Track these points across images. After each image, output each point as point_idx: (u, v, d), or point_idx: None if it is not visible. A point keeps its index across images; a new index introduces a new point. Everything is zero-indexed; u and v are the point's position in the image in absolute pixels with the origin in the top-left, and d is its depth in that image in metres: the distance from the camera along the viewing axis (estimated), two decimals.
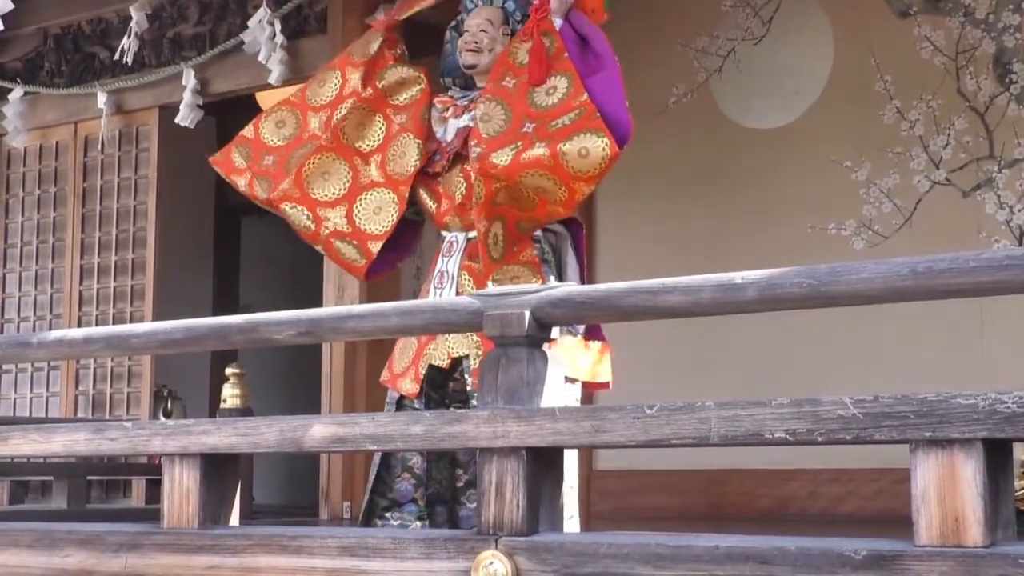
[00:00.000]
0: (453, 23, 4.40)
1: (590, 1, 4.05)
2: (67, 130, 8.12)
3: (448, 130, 4.20)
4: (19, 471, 6.84)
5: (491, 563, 2.70)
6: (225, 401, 6.32)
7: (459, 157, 4.13)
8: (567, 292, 2.90)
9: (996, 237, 6.54)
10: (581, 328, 3.99)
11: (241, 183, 4.36)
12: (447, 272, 4.06)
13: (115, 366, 7.67)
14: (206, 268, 9.77)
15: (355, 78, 4.31)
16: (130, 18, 7.52)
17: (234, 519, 3.30)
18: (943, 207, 6.69)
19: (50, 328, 7.83)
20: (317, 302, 6.67)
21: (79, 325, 7.72)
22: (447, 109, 4.25)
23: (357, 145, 4.27)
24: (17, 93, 8.09)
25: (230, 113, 9.35)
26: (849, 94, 7.00)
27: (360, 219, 4.20)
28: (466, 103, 4.19)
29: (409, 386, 4.11)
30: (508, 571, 2.68)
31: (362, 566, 2.89)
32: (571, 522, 3.67)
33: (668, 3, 7.48)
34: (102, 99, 7.74)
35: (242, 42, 7.12)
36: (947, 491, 2.35)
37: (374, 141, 4.27)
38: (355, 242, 4.21)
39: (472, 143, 3.94)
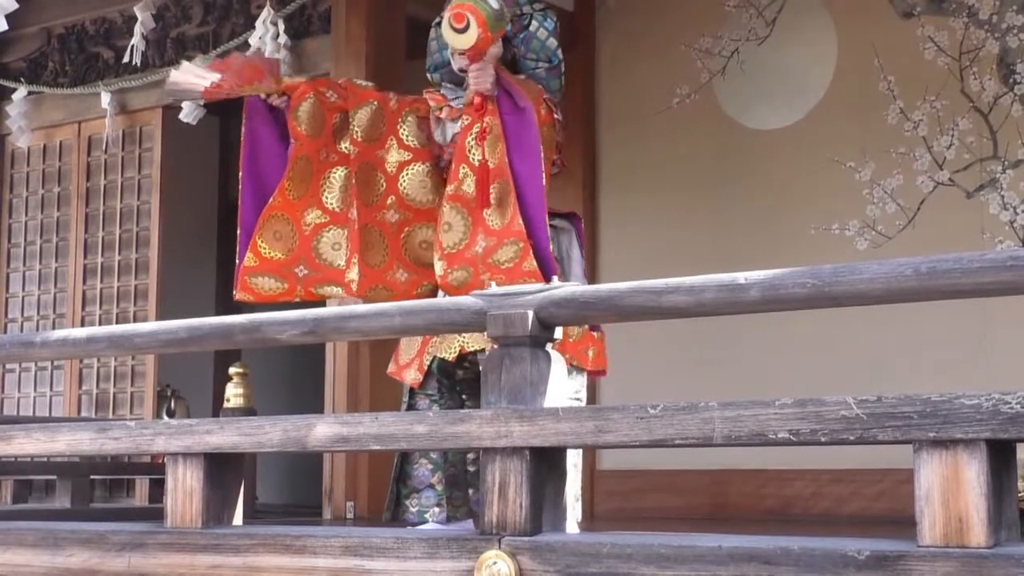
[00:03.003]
0: (437, 20, 4.33)
1: (494, 41, 3.98)
2: (71, 130, 8.13)
3: (446, 133, 4.19)
4: (23, 470, 6.84)
5: (494, 563, 2.70)
6: (228, 401, 6.32)
7: None
8: (571, 292, 2.90)
9: (1000, 238, 6.53)
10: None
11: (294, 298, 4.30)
12: None
13: (118, 365, 7.68)
14: (209, 268, 9.77)
15: (330, 154, 4.24)
16: (134, 18, 7.52)
17: (237, 518, 3.30)
18: (947, 208, 6.69)
19: (54, 327, 7.83)
20: (320, 302, 6.66)
21: (82, 324, 7.72)
22: (441, 109, 4.21)
23: (373, 200, 4.24)
24: (21, 93, 8.10)
25: (233, 113, 9.37)
26: (853, 95, 7.00)
27: (414, 260, 4.22)
28: (459, 105, 4.15)
29: (414, 375, 4.14)
30: (511, 571, 2.68)
31: (365, 566, 2.89)
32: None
33: (672, 3, 7.48)
34: (106, 99, 7.75)
35: (246, 43, 7.12)
36: (950, 492, 2.35)
37: (379, 191, 4.24)
38: (428, 283, 4.24)
39: (435, 252, 3.99)
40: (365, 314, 3.23)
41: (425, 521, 4.09)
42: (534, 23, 4.16)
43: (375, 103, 4.23)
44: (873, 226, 6.86)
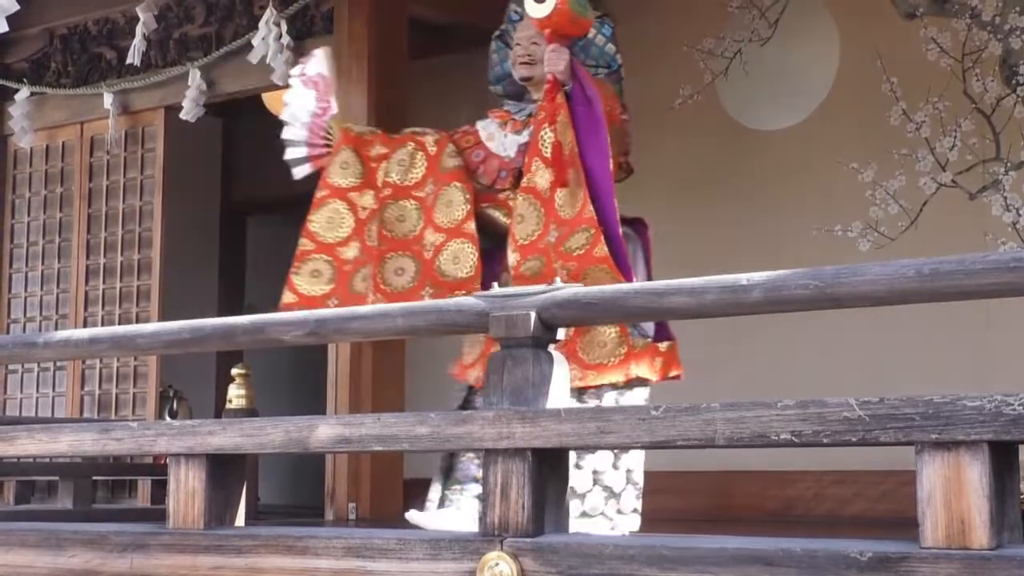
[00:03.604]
0: (497, 33, 4.48)
1: (573, 27, 4.09)
2: (73, 130, 8.13)
3: (508, 146, 4.29)
4: (25, 471, 6.84)
5: (496, 564, 2.70)
6: (231, 402, 6.32)
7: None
8: (573, 293, 2.90)
9: (1002, 239, 6.53)
10: (651, 332, 4.11)
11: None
12: None
13: (121, 366, 7.68)
14: (212, 268, 9.78)
15: (366, 199, 4.39)
16: (136, 19, 7.52)
17: (240, 519, 3.30)
18: (949, 209, 6.69)
19: (56, 328, 7.83)
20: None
21: (85, 325, 7.72)
22: (505, 123, 4.34)
23: (405, 234, 4.35)
24: (23, 94, 8.10)
25: (235, 114, 9.37)
26: (855, 96, 7.00)
27: (446, 273, 4.27)
28: (523, 118, 4.28)
29: (477, 375, 4.16)
30: (513, 572, 2.68)
31: (367, 567, 2.89)
32: (634, 516, 3.98)
33: (674, 4, 7.48)
34: (108, 99, 7.75)
35: (249, 43, 7.12)
36: (953, 493, 2.35)
37: (415, 223, 4.35)
38: (458, 292, 4.27)
39: (509, 243, 4.07)
40: (367, 315, 3.23)
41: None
42: (592, 30, 4.29)
43: (411, 145, 4.39)
44: (876, 227, 6.85)
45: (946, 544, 2.34)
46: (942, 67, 6.79)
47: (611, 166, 3.97)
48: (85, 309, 7.91)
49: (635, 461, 4.04)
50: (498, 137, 4.34)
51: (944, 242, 6.28)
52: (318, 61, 4.50)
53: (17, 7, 6.31)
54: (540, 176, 4.04)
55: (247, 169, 9.85)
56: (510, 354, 2.88)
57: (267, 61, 7.00)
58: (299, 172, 4.51)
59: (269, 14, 7.04)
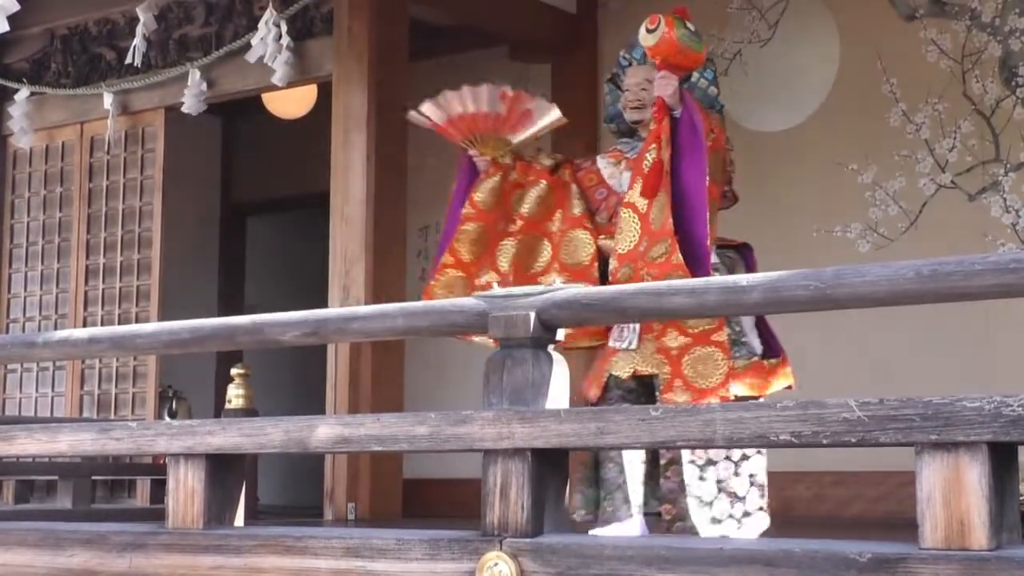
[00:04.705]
0: (610, 76, 4.76)
1: (681, 57, 4.35)
2: (73, 131, 8.13)
3: (624, 183, 4.52)
4: (24, 471, 6.84)
5: (495, 564, 2.70)
6: (230, 402, 6.32)
7: None
8: (572, 294, 2.90)
9: (1002, 240, 6.53)
10: (758, 349, 4.32)
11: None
12: (628, 326, 4.26)
13: (120, 366, 7.68)
14: (211, 269, 9.77)
15: (505, 225, 4.59)
16: (136, 19, 7.52)
17: (239, 519, 3.30)
18: (949, 210, 6.69)
19: (55, 328, 7.83)
20: (322, 303, 6.67)
21: (84, 325, 7.71)
22: (619, 163, 4.59)
23: (533, 268, 4.59)
24: (23, 94, 8.10)
25: (235, 114, 9.38)
26: (855, 97, 7.00)
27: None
28: (635, 156, 4.49)
29: (593, 392, 4.39)
30: (512, 572, 2.68)
31: (367, 567, 2.89)
32: (761, 514, 4.16)
33: (674, 5, 7.46)
34: (108, 100, 7.75)
35: (249, 44, 7.12)
36: (952, 494, 2.35)
37: (542, 259, 4.59)
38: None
39: (612, 253, 4.36)
40: (367, 315, 3.23)
41: (619, 520, 4.33)
42: (695, 74, 4.58)
43: (545, 183, 4.62)
44: (875, 228, 6.86)
45: (945, 545, 2.34)
46: (942, 68, 6.79)
47: (707, 184, 4.23)
48: (84, 309, 7.91)
49: (757, 466, 4.21)
50: (615, 175, 4.60)
51: (944, 243, 6.28)
52: (544, 107, 4.68)
53: (18, 7, 6.32)
54: (639, 192, 4.32)
55: (247, 169, 9.85)
56: (510, 354, 2.88)
57: (266, 61, 7.00)
58: (416, 120, 4.64)
59: (269, 14, 7.04)
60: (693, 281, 2.74)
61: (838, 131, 7.01)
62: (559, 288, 2.92)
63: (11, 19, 6.44)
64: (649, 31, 4.36)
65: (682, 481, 4.11)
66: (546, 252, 4.59)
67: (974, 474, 2.33)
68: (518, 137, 4.59)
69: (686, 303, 2.75)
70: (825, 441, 2.47)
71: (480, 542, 2.77)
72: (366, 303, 6.37)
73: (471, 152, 4.59)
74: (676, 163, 4.27)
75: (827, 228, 6.92)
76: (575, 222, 4.56)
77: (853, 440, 2.45)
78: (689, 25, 4.40)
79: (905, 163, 6.83)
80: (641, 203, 4.30)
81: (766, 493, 4.25)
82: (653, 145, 4.30)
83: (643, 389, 4.35)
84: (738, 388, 4.22)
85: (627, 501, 4.32)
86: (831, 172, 6.94)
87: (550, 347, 2.94)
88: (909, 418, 2.39)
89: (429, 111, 4.58)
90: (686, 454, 4.05)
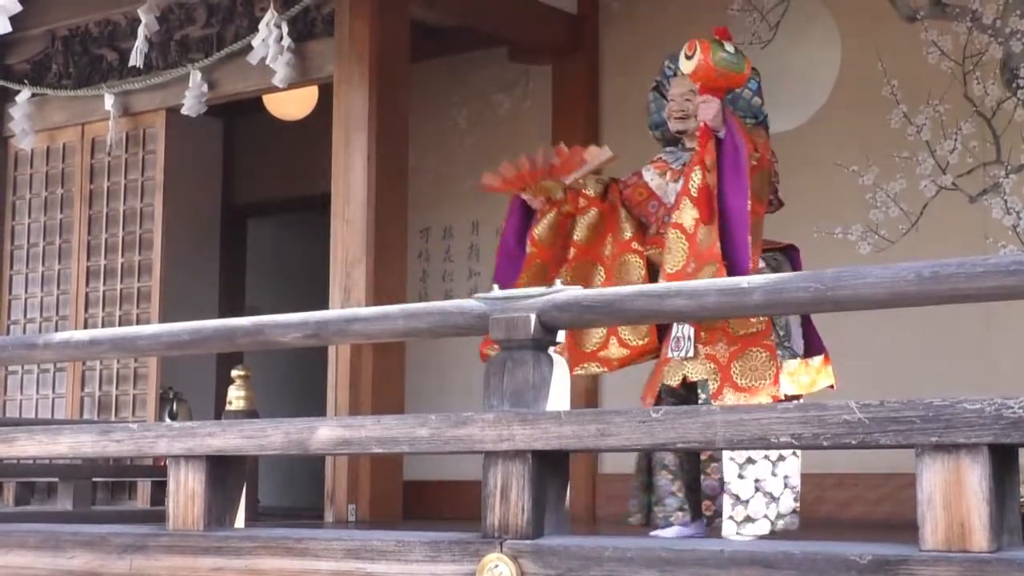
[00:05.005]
0: (654, 85, 4.90)
1: (721, 80, 4.44)
2: (74, 132, 8.13)
3: (670, 193, 4.65)
4: (25, 472, 6.84)
5: (496, 566, 2.70)
6: (231, 403, 6.33)
7: None
8: (573, 296, 2.90)
9: (1002, 242, 6.53)
10: (800, 350, 4.46)
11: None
12: (683, 336, 4.38)
13: (121, 368, 7.68)
14: (212, 270, 9.77)
15: (561, 253, 4.79)
16: (138, 20, 7.52)
17: (239, 521, 3.30)
18: (949, 212, 6.68)
19: (56, 330, 7.83)
20: (323, 305, 6.67)
21: (85, 327, 7.71)
22: (664, 173, 4.72)
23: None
24: (25, 95, 8.10)
25: (237, 116, 9.38)
26: (856, 99, 7.00)
27: (622, 334, 4.68)
28: (679, 167, 4.63)
29: (648, 402, 4.51)
30: (513, 574, 2.68)
31: (367, 569, 2.89)
32: (793, 517, 4.30)
33: (675, 6, 7.48)
34: (109, 101, 7.75)
35: (250, 45, 7.12)
36: (953, 496, 2.35)
37: (597, 283, 4.77)
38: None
39: (661, 272, 4.49)
40: (368, 317, 3.23)
41: (671, 525, 4.45)
42: None
43: (595, 211, 4.79)
44: (876, 230, 6.85)
45: (945, 547, 2.34)
46: (943, 70, 6.79)
47: (748, 209, 4.32)
48: (85, 310, 7.91)
49: (792, 468, 4.29)
50: (663, 186, 4.71)
51: (944, 245, 6.28)
52: (595, 150, 4.89)
53: (19, 8, 6.32)
54: (687, 213, 4.42)
55: (247, 170, 9.85)
56: (510, 356, 2.88)
57: (267, 63, 7.00)
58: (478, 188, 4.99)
59: (270, 16, 7.04)
60: (693, 283, 2.74)
61: (839, 133, 7.00)
62: (560, 290, 2.92)
63: (12, 20, 6.44)
64: (688, 57, 4.47)
65: (721, 479, 4.21)
66: (600, 276, 4.77)
67: (974, 476, 2.33)
68: (570, 179, 4.76)
69: (687, 305, 2.75)
70: (826, 443, 2.47)
71: (480, 544, 2.77)
72: (367, 304, 6.37)
73: (524, 196, 4.78)
74: (720, 186, 4.39)
75: (828, 230, 6.92)
76: (624, 246, 4.74)
77: (854, 442, 2.45)
78: (728, 47, 4.47)
79: (906, 165, 6.83)
80: (688, 223, 4.41)
81: (799, 497, 4.35)
82: (698, 167, 4.41)
83: (694, 397, 4.44)
84: (787, 388, 4.34)
85: (683, 508, 4.47)
86: (832, 174, 6.94)
87: (551, 349, 2.94)
88: (910, 420, 2.39)
89: (488, 179, 4.83)
90: (726, 452, 4.12)
